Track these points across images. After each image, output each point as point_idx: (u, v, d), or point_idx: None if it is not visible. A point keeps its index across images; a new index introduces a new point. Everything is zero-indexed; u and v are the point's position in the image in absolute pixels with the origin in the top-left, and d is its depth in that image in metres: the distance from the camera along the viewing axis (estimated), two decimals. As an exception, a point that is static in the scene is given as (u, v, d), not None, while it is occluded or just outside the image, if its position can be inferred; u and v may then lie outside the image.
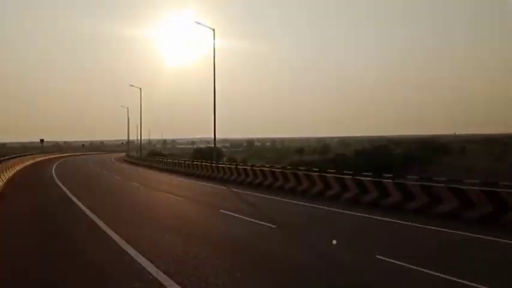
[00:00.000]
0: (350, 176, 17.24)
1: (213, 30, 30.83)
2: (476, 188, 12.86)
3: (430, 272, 7.38)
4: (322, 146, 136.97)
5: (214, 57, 30.81)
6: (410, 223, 12.13)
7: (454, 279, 6.99)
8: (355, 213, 13.98)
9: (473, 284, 6.70)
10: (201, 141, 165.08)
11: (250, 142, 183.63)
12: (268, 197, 18.57)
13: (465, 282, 6.82)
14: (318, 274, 7.56)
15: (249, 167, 25.25)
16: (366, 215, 13.54)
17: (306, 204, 16.28)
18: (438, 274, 7.23)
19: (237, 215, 13.65)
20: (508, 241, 9.80)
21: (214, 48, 30.84)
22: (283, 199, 17.76)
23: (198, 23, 31.36)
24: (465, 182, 13.72)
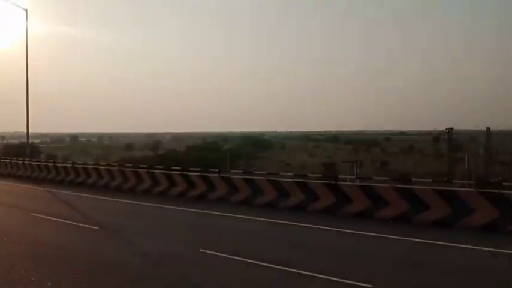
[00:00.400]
0: (178, 172, 17.25)
1: (26, 10, 27.25)
2: (290, 180, 14.20)
3: (248, 260, 7.81)
4: (154, 142, 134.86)
5: (27, 42, 27.23)
6: (233, 215, 12.71)
7: (269, 265, 7.54)
8: (182, 208, 14.01)
9: (287, 269, 7.35)
10: (13, 136, 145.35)
11: (73, 137, 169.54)
12: (91, 196, 17.28)
13: (273, 266, 7.44)
14: (140, 273, 7.28)
15: (70, 165, 23.13)
16: (193, 210, 13.70)
17: (132, 202, 15.65)
18: (255, 262, 7.72)
19: (52, 218, 12.31)
20: (317, 226, 11.06)
21: (26, 32, 27.23)
22: (108, 198, 16.74)
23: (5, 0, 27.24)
24: (282, 175, 15.05)
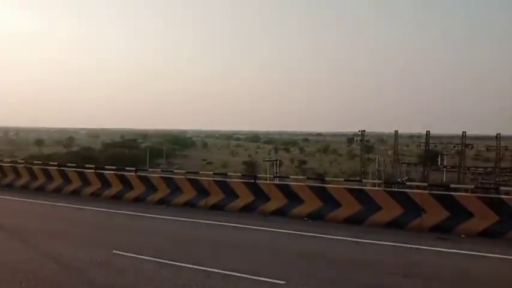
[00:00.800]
0: (92, 170, 16.41)
1: None
2: (210, 178, 14.16)
3: (164, 261, 7.68)
4: (67, 138, 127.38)
5: None
6: (150, 215, 12.39)
7: (185, 265, 7.47)
8: (96, 208, 13.34)
9: (202, 268, 7.31)
10: None
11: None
12: (-7, 195, 15.81)
13: (190, 266, 7.40)
14: (44, 276, 6.80)
15: (-34, 161, 20.97)
16: (107, 210, 13.11)
17: (41, 202, 14.58)
18: (171, 263, 7.60)
19: None
20: (234, 225, 11.14)
21: None
22: (13, 197, 15.43)
23: None
24: (202, 174, 14.96)
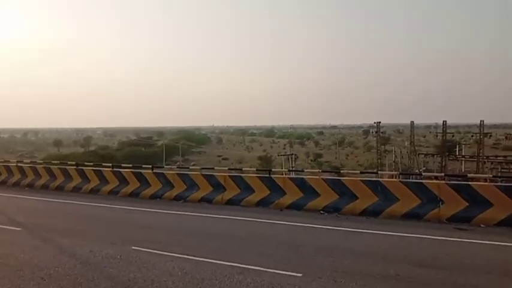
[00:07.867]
0: (109, 168, 16.63)
1: None
2: (226, 174, 14.23)
3: (184, 256, 7.76)
4: (85, 138, 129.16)
5: None
6: (167, 211, 12.52)
7: (205, 260, 7.55)
8: (114, 206, 13.55)
9: (222, 262, 7.42)
10: None
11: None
12: (13, 195, 16.18)
13: (211, 260, 7.47)
14: (68, 275, 6.95)
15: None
16: (125, 207, 13.30)
17: (60, 200, 14.86)
18: (193, 258, 7.69)
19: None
20: (249, 219, 11.19)
21: None
22: (31, 197, 15.76)
23: None
24: (217, 169, 15.05)
